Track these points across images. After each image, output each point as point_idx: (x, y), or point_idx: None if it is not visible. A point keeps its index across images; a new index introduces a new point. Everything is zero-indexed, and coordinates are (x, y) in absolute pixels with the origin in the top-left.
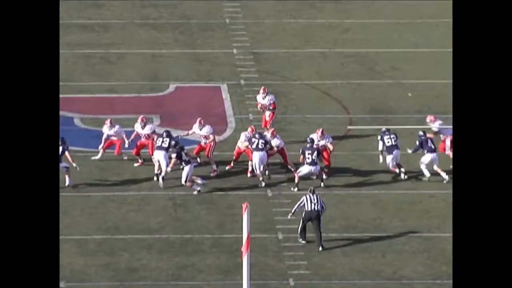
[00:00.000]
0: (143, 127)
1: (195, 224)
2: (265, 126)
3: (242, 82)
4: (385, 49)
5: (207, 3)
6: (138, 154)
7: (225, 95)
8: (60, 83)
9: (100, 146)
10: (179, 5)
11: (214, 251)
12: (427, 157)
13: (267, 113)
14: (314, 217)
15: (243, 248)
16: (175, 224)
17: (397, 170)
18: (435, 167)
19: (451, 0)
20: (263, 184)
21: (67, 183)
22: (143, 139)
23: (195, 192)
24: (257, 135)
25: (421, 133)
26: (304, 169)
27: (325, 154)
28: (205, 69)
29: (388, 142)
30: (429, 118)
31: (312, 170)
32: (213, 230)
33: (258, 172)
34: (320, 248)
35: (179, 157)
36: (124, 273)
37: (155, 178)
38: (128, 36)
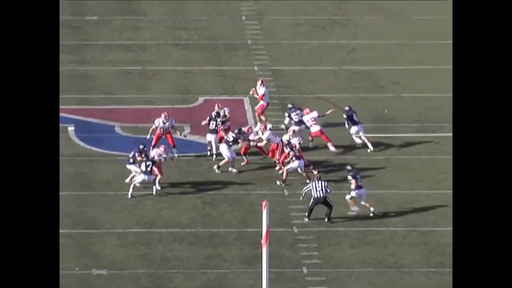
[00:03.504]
0: (164, 122)
1: (221, 220)
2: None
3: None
4: (388, 66)
5: (231, 26)
6: (155, 145)
7: (247, 107)
8: (103, 96)
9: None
10: (207, 28)
11: (237, 243)
12: (353, 129)
13: (261, 103)
14: (321, 202)
15: (263, 241)
16: (204, 219)
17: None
18: (363, 137)
19: (446, 24)
20: (233, 170)
21: (130, 192)
22: (160, 131)
23: (154, 193)
24: (236, 130)
25: (347, 108)
26: (293, 164)
27: (273, 147)
28: (230, 84)
29: (296, 118)
30: (304, 111)
31: (299, 164)
32: (237, 224)
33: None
34: (326, 219)
35: (144, 165)
36: (159, 262)
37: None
38: (162, 54)
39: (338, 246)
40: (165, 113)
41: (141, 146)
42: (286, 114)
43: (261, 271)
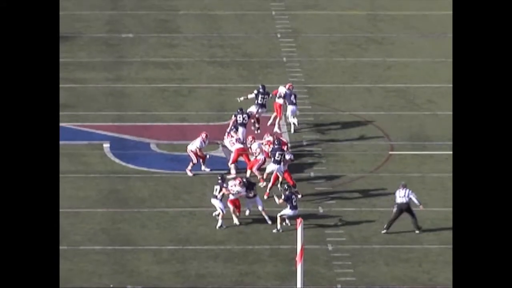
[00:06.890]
0: (205, 141)
1: (256, 237)
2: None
3: (297, 112)
4: (423, 84)
5: (266, 44)
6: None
7: (282, 122)
8: (138, 113)
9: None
10: (242, 46)
11: (272, 260)
12: (288, 108)
13: (279, 102)
14: (404, 209)
15: (298, 258)
16: (238, 236)
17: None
18: (292, 118)
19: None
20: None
21: (219, 224)
22: (198, 150)
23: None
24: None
25: (288, 91)
26: (270, 167)
27: (286, 175)
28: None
29: (240, 120)
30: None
31: (276, 169)
32: (271, 241)
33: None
34: (417, 231)
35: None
36: (193, 279)
37: None
38: (198, 72)
39: (372, 263)
40: (206, 133)
41: (219, 177)
42: (234, 115)
43: None
